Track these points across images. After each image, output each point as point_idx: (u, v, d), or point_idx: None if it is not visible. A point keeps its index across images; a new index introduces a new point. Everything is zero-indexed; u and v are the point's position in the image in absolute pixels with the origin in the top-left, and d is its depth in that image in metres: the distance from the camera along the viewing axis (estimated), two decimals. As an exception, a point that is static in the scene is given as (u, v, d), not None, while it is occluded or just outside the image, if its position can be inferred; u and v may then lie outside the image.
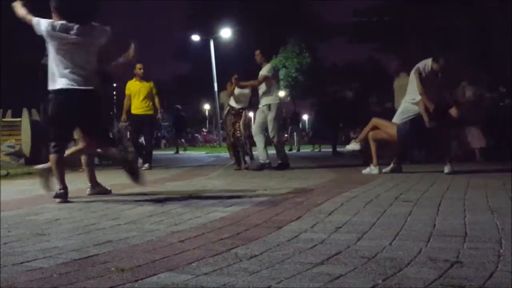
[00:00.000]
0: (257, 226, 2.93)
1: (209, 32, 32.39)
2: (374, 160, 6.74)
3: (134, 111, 9.25)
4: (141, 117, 9.18)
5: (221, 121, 14.06)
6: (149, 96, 9.24)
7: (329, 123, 15.58)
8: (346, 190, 4.62)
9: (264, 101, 7.89)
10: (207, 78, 30.55)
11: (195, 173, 7.95)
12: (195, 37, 34.58)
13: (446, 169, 6.32)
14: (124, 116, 9.55)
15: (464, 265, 1.97)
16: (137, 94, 9.22)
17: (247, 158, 8.52)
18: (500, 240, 2.41)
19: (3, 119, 10.34)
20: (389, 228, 2.74)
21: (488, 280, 1.76)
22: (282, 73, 32.19)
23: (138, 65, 9.21)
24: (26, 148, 9.87)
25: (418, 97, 6.40)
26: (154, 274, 1.93)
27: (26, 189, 5.54)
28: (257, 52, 8.06)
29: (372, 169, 6.68)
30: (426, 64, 6.51)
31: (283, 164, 8.04)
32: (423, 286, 1.71)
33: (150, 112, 9.27)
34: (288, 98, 34.31)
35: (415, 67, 6.54)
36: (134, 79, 9.33)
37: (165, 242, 2.53)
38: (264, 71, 7.82)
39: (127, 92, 9.31)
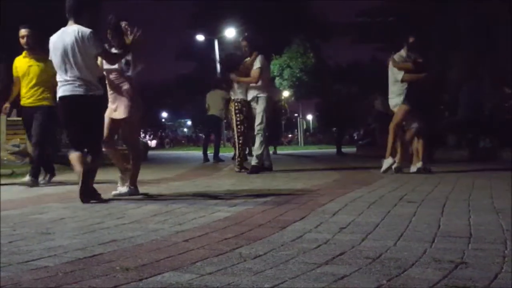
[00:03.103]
0: (261, 226, 2.93)
1: (213, 32, 32.42)
2: (388, 153, 6.72)
3: (22, 101, 6.16)
4: (31, 110, 6.07)
5: (224, 121, 13.92)
6: (44, 79, 6.01)
7: (333, 123, 15.61)
8: (350, 191, 4.61)
9: (251, 94, 7.47)
10: (211, 77, 30.61)
11: (199, 173, 7.95)
12: (200, 37, 34.63)
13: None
14: (5, 106, 6.31)
15: (468, 266, 1.96)
16: (26, 77, 6.08)
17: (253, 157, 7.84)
18: (505, 241, 2.40)
19: (8, 118, 10.34)
20: (393, 229, 2.74)
21: (493, 281, 1.75)
22: (286, 73, 32.18)
23: (22, 30, 5.99)
24: (31, 147, 9.87)
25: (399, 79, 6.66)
26: (159, 274, 1.93)
27: (30, 188, 5.56)
28: (244, 43, 7.58)
29: (385, 162, 6.68)
30: (400, 54, 6.78)
31: (260, 166, 7.37)
32: (428, 286, 1.70)
33: (45, 103, 6.04)
34: (293, 98, 34.35)
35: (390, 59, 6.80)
36: (23, 54, 6.14)
37: (170, 241, 2.54)
38: (258, 63, 7.36)
39: (14, 73, 6.19)
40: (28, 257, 2.22)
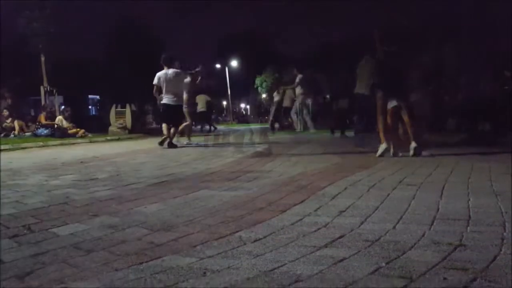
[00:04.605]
0: (261, 209, 2.94)
1: (224, 62, 51.04)
2: (382, 138, 6.69)
3: None
4: None
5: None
6: None
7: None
8: (350, 174, 4.62)
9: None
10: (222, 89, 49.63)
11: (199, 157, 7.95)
12: (217, 65, 52.72)
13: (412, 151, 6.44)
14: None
15: (467, 248, 1.97)
16: None
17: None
18: (503, 223, 2.41)
19: (116, 109, 18.72)
20: (392, 212, 2.75)
21: (491, 263, 1.76)
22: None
23: None
24: (128, 124, 18.34)
25: None
26: (159, 257, 1.94)
27: (127, 146, 6.50)
28: (294, 71, 15.47)
29: (380, 148, 6.65)
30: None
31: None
32: (427, 269, 1.71)
33: None
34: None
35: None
36: None
37: (170, 225, 2.55)
38: (297, 79, 15.10)
39: None
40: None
